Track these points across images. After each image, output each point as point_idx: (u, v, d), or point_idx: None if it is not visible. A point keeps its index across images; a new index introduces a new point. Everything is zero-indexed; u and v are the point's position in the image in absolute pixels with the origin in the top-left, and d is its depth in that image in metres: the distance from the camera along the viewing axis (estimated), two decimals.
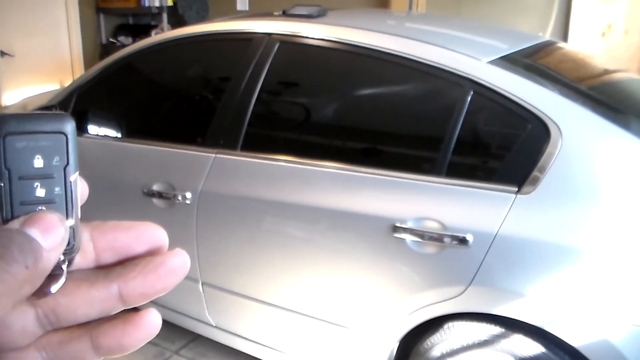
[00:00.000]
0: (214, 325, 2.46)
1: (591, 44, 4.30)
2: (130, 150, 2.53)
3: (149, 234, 0.37)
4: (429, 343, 1.94)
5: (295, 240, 2.14)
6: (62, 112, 0.35)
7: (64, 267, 0.33)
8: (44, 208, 0.33)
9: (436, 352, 1.92)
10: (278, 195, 2.13)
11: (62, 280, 0.33)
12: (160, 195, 2.37)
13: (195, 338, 2.70)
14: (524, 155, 1.84)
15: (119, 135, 2.69)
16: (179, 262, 0.36)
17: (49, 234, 0.32)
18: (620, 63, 3.67)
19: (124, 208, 2.47)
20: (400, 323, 1.96)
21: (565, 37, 4.38)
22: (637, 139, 1.76)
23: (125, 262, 0.36)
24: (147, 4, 5.62)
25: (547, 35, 4.19)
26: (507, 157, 1.92)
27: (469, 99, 1.90)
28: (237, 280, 2.31)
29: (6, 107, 3.98)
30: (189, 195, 2.29)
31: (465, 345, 1.86)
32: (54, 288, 0.33)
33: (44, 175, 0.33)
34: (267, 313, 2.27)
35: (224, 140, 2.29)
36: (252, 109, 2.28)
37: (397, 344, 2.02)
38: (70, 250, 0.34)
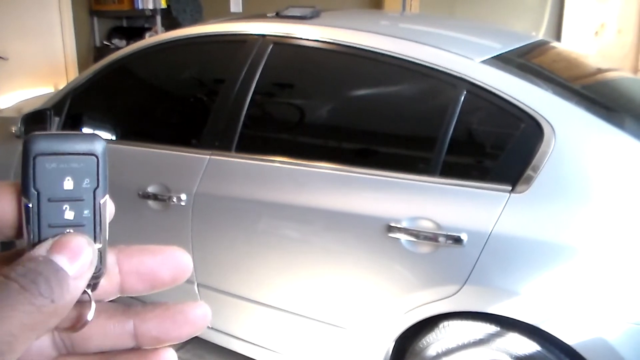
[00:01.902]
0: (210, 326, 2.46)
1: (584, 43, 4.31)
2: (125, 152, 2.53)
3: (174, 259, 0.36)
4: (424, 342, 1.94)
5: (290, 240, 2.14)
6: (94, 133, 0.34)
7: (89, 290, 0.33)
8: (72, 231, 0.33)
9: (432, 351, 1.92)
10: (273, 196, 2.13)
11: (93, 305, 0.33)
12: (155, 197, 2.36)
13: (192, 340, 2.70)
14: (517, 155, 1.85)
15: (114, 137, 2.68)
16: (199, 314, 0.35)
17: (76, 260, 0.31)
18: (614, 62, 3.68)
19: (119, 210, 2.45)
20: (396, 322, 1.97)
21: (558, 37, 4.39)
22: (630, 137, 1.77)
23: (149, 291, 0.36)
24: (140, 7, 5.61)
25: (540, 35, 4.20)
26: (500, 156, 1.92)
27: (463, 98, 1.90)
28: (232, 281, 2.31)
29: (0, 110, 3.97)
30: (183, 196, 2.29)
31: (460, 344, 1.87)
32: (90, 315, 0.33)
33: (73, 198, 0.33)
34: (262, 314, 2.27)
35: (219, 141, 2.29)
36: (246, 110, 2.28)
37: (393, 344, 2.02)
38: (96, 274, 0.33)
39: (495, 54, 2.05)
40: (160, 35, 2.75)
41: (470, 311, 1.84)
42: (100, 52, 5.68)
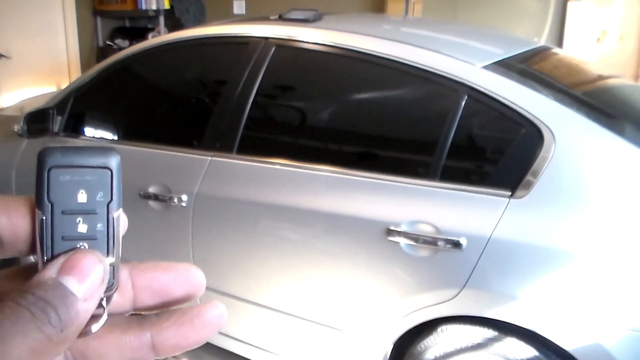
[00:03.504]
0: None
1: (586, 50, 4.32)
2: (127, 152, 2.53)
3: (187, 275, 0.36)
4: (422, 346, 1.95)
5: (290, 243, 2.15)
6: (109, 147, 0.34)
7: (104, 303, 0.33)
8: (85, 244, 0.33)
9: (430, 355, 1.93)
10: (273, 198, 2.14)
11: (104, 318, 0.33)
12: (156, 197, 2.37)
13: None
14: (517, 160, 1.85)
15: (116, 137, 2.69)
16: (216, 314, 0.35)
17: (85, 280, 0.31)
18: (615, 69, 3.69)
19: None
20: (395, 326, 1.97)
21: (560, 43, 4.41)
22: (630, 144, 1.77)
23: (162, 308, 0.36)
24: (144, 7, 5.63)
25: (542, 41, 4.21)
26: (500, 161, 1.93)
27: (463, 103, 1.91)
28: (232, 282, 2.31)
29: (3, 109, 3.98)
30: (184, 197, 2.30)
31: (458, 348, 1.87)
32: (95, 327, 0.33)
33: (86, 211, 0.33)
34: (261, 315, 2.28)
35: (220, 143, 2.30)
36: (248, 112, 2.28)
37: (391, 347, 2.03)
38: (109, 288, 0.33)
39: (496, 60, 2.06)
40: (163, 37, 2.76)
41: (468, 315, 1.84)
42: (103, 52, 5.70)
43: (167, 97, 2.84)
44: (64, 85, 4.03)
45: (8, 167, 2.87)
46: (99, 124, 2.77)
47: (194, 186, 2.29)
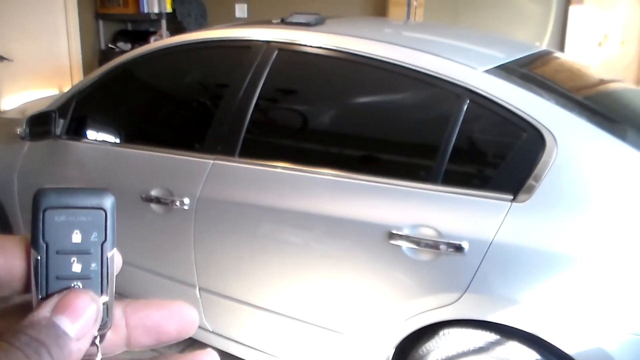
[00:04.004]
0: (211, 330, 2.46)
1: (588, 54, 4.33)
2: (129, 155, 2.54)
3: (180, 312, 0.37)
4: (424, 349, 1.94)
5: (292, 246, 2.15)
6: (103, 188, 0.35)
7: (97, 342, 0.33)
8: (79, 284, 0.34)
9: (431, 358, 1.93)
10: (275, 202, 2.14)
11: (99, 358, 0.33)
12: (158, 200, 2.37)
13: (192, 343, 2.71)
14: (519, 164, 1.85)
15: (118, 140, 2.70)
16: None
17: (78, 320, 0.32)
18: (616, 73, 3.69)
19: (121, 213, 2.46)
20: (396, 329, 1.97)
21: (561, 47, 4.41)
22: (632, 148, 1.78)
23: (155, 346, 0.36)
24: (146, 11, 5.64)
25: (543, 45, 4.22)
26: (502, 165, 1.93)
27: (465, 107, 1.91)
28: (234, 285, 2.32)
29: (5, 112, 3.98)
30: (186, 200, 2.30)
31: (460, 352, 1.87)
32: None
33: (81, 251, 0.34)
34: (263, 318, 2.28)
35: (222, 146, 2.30)
36: (250, 115, 2.29)
37: (393, 350, 2.03)
38: (102, 327, 0.34)
39: (498, 64, 2.06)
40: (165, 40, 2.77)
41: (470, 319, 1.85)
42: (106, 55, 5.71)
43: (169, 101, 2.85)
44: (66, 88, 4.04)
45: (10, 170, 2.88)
46: (102, 127, 2.78)
47: (196, 189, 2.30)
